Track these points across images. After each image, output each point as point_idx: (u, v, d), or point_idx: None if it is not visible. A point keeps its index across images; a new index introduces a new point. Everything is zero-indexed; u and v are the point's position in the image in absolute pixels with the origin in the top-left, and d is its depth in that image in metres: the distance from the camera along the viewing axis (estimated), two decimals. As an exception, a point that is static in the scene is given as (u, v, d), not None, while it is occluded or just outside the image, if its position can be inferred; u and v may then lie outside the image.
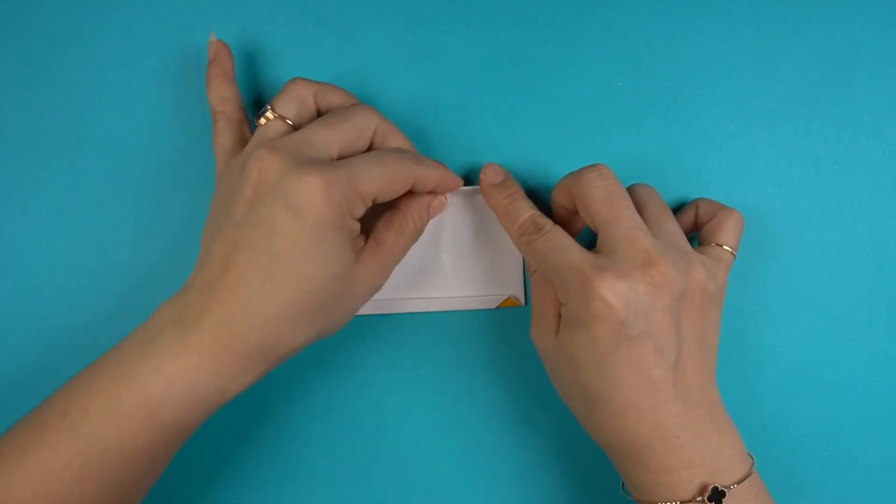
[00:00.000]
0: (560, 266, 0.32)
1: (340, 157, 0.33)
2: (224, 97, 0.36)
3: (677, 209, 0.39)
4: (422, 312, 0.39)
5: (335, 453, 0.39)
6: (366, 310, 0.38)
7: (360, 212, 0.32)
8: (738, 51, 0.39)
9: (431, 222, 0.38)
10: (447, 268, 0.39)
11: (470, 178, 0.39)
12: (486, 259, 0.39)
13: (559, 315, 0.34)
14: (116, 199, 0.39)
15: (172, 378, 0.29)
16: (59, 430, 0.29)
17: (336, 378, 0.39)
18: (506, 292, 0.39)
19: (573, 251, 0.32)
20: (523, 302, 0.39)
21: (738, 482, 0.32)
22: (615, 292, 0.30)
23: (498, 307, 0.40)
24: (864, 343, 0.39)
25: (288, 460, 0.39)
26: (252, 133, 0.35)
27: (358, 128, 0.33)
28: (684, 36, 0.39)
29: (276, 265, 0.30)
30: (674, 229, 0.34)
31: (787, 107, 0.39)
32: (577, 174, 0.34)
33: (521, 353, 0.39)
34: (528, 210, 0.35)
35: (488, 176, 0.37)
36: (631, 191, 0.36)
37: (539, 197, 0.39)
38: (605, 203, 0.32)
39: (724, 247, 0.36)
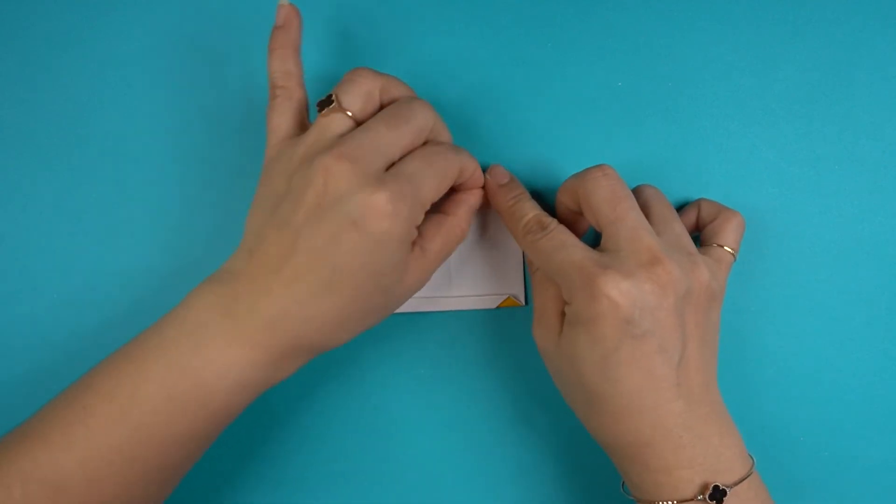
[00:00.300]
0: (564, 265, 0.32)
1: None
2: (288, 71, 0.34)
3: (679, 209, 0.39)
4: (422, 312, 0.39)
5: (335, 453, 0.39)
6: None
7: (421, 219, 0.32)
8: (738, 51, 0.39)
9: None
10: (448, 267, 0.39)
11: (470, 178, 0.39)
12: (486, 259, 0.39)
13: (562, 314, 0.34)
14: (116, 199, 0.39)
15: (224, 369, 0.30)
16: (108, 415, 0.30)
17: (336, 377, 0.39)
18: (506, 292, 0.39)
19: (577, 250, 0.32)
20: (523, 302, 0.39)
21: (739, 482, 0.32)
22: (620, 290, 0.30)
23: (498, 307, 0.40)
24: (864, 343, 0.39)
25: (287, 460, 0.39)
26: (309, 117, 0.35)
27: (419, 128, 0.32)
28: (684, 36, 0.39)
29: (335, 276, 0.30)
30: (679, 230, 0.34)
31: (787, 107, 0.39)
32: (581, 174, 0.34)
33: (522, 352, 0.39)
34: (532, 210, 0.35)
35: (494, 177, 0.37)
36: (636, 191, 0.36)
37: (541, 197, 0.39)
38: (610, 202, 0.32)
39: (725, 248, 0.36)
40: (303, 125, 0.34)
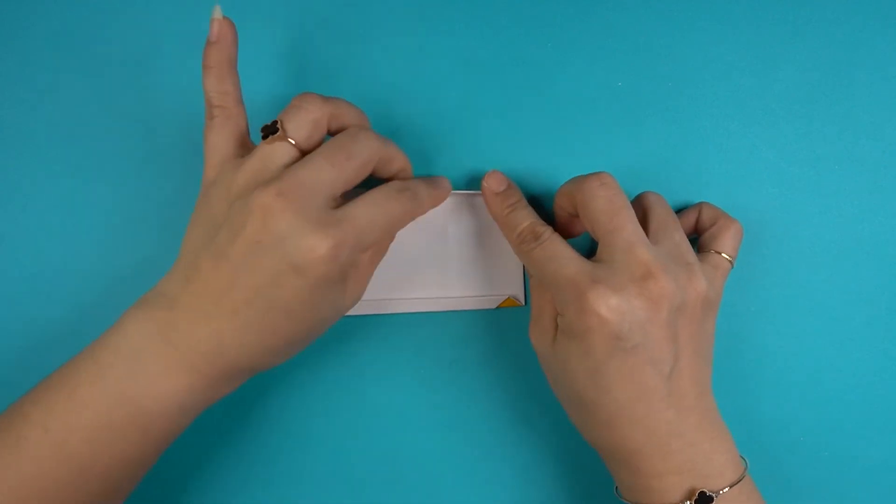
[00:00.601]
0: (556, 277, 0.32)
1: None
2: (225, 91, 0.33)
3: (679, 210, 0.39)
4: (422, 312, 0.39)
5: (335, 453, 0.39)
6: (366, 310, 0.38)
7: (359, 258, 0.32)
8: (738, 51, 0.39)
9: (432, 223, 0.38)
10: (447, 268, 0.39)
11: (470, 180, 0.39)
12: (486, 259, 0.39)
13: (557, 319, 0.34)
14: (116, 199, 0.39)
15: (163, 395, 0.30)
16: (42, 444, 0.29)
17: (335, 378, 0.39)
18: (506, 292, 0.39)
19: (570, 262, 0.32)
20: (523, 302, 0.39)
21: (729, 486, 0.32)
22: (609, 306, 0.30)
23: (498, 307, 0.40)
24: (864, 343, 0.39)
25: (287, 460, 0.39)
26: (250, 134, 0.34)
27: (363, 162, 0.32)
28: (684, 36, 0.39)
29: (273, 311, 0.30)
30: (678, 238, 0.34)
31: (787, 107, 0.39)
32: (580, 181, 0.34)
33: (521, 353, 0.39)
34: (527, 219, 0.35)
35: (490, 184, 0.37)
36: (638, 198, 0.36)
37: (539, 198, 0.39)
38: (606, 213, 0.32)
39: (723, 255, 0.36)
40: (243, 145, 0.33)
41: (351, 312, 0.38)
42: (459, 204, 0.39)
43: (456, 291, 0.39)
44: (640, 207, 0.35)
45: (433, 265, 0.39)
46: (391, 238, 0.35)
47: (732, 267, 0.36)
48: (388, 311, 0.39)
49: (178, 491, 0.39)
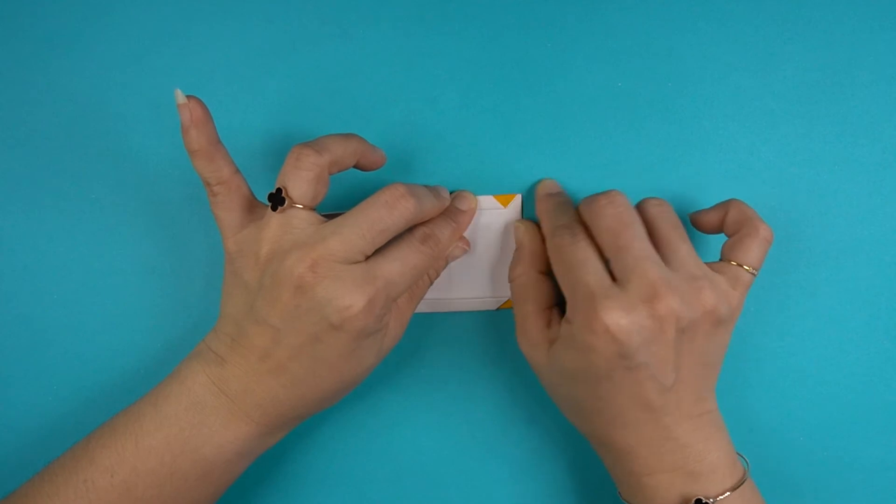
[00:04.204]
0: (577, 283, 0.32)
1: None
2: (218, 170, 0.33)
3: (705, 209, 0.37)
4: (423, 313, 0.39)
5: (335, 453, 0.39)
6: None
7: (394, 304, 0.34)
8: (738, 51, 0.39)
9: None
10: (449, 270, 0.39)
11: (470, 180, 0.39)
12: (487, 261, 0.39)
13: (546, 327, 0.34)
14: (116, 199, 0.39)
15: (223, 444, 0.32)
16: (111, 489, 0.31)
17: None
18: (507, 294, 0.39)
19: (593, 272, 0.32)
20: (523, 302, 0.39)
21: (728, 490, 0.32)
22: (619, 326, 0.30)
23: (499, 309, 0.40)
24: (864, 343, 0.39)
25: (288, 460, 0.39)
26: (256, 196, 0.35)
27: (395, 230, 0.32)
28: (684, 36, 0.39)
29: (318, 366, 0.32)
30: (685, 251, 0.33)
31: (787, 107, 0.39)
32: (588, 201, 0.34)
33: (521, 354, 0.39)
34: (571, 217, 0.35)
35: (546, 187, 0.38)
36: (641, 207, 0.35)
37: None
38: (613, 232, 0.32)
39: (745, 267, 0.34)
40: (252, 210, 0.34)
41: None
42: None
43: (457, 293, 0.39)
44: (643, 220, 0.34)
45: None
46: (425, 283, 0.36)
47: (756, 277, 0.34)
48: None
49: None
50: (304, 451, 0.39)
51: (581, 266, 0.32)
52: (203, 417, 0.32)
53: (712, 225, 0.36)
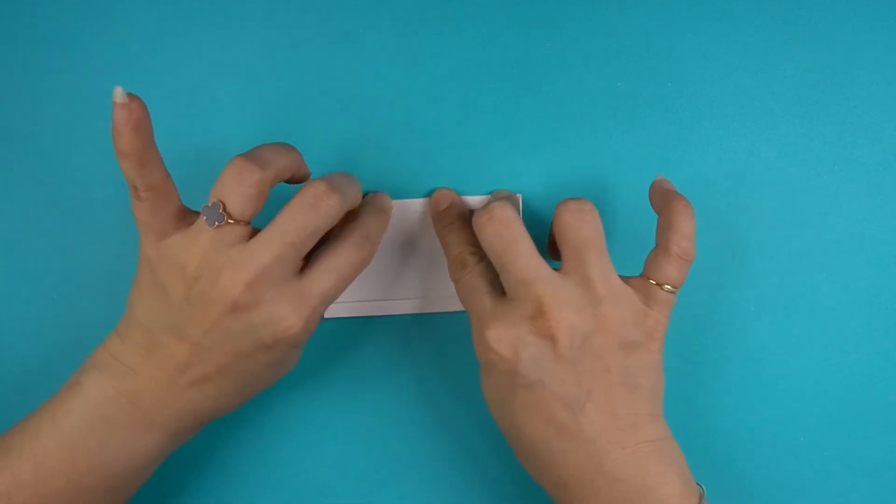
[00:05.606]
0: (469, 309, 0.33)
1: None
2: (148, 175, 0.30)
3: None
4: (422, 313, 0.39)
5: (334, 453, 0.39)
6: (361, 312, 0.38)
7: None
8: (738, 51, 0.39)
9: (429, 226, 0.38)
10: (443, 269, 0.39)
11: (470, 180, 0.39)
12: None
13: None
14: (116, 199, 0.39)
15: (134, 456, 0.31)
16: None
17: (335, 379, 0.39)
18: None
19: (483, 296, 0.32)
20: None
21: None
22: (502, 343, 0.30)
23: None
24: (864, 343, 0.39)
25: (285, 461, 0.39)
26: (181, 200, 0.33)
27: (323, 230, 0.31)
28: (684, 36, 0.39)
29: (244, 380, 0.32)
30: (594, 265, 0.31)
31: (787, 107, 0.39)
32: (474, 217, 0.32)
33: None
34: (458, 246, 0.35)
35: (436, 202, 0.37)
36: (556, 213, 0.32)
37: (538, 199, 0.39)
38: (495, 252, 0.31)
39: (663, 286, 0.32)
40: (181, 218, 0.32)
41: (347, 314, 0.38)
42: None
43: (449, 292, 0.39)
44: (557, 228, 0.32)
45: (433, 266, 0.39)
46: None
47: (675, 294, 0.32)
48: (388, 313, 0.39)
49: (176, 493, 0.39)
50: (301, 453, 0.39)
51: (472, 293, 0.33)
52: (111, 433, 0.30)
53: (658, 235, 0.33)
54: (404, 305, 0.39)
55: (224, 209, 0.30)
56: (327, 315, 0.38)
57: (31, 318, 0.39)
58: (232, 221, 0.30)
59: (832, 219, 0.39)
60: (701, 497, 0.31)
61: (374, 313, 0.39)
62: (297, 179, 0.34)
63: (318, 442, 0.39)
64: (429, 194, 0.39)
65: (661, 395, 0.33)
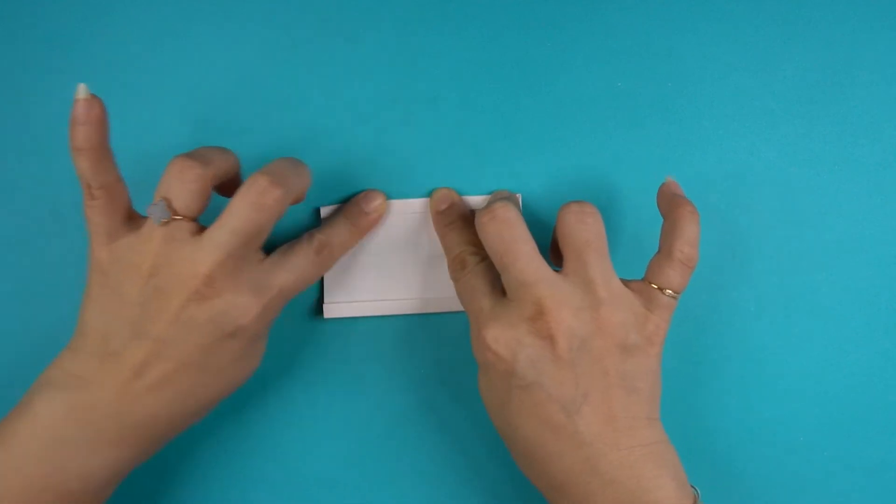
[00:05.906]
0: (468, 310, 0.33)
1: None
2: (102, 173, 0.31)
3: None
4: (421, 314, 0.39)
5: (334, 453, 0.39)
6: (359, 312, 0.38)
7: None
8: (738, 51, 0.39)
9: (427, 225, 0.38)
10: (441, 269, 0.39)
11: (470, 180, 0.39)
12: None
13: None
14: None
15: (92, 473, 0.30)
16: None
17: (334, 379, 0.39)
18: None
19: (481, 298, 0.33)
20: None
21: None
22: (500, 344, 0.30)
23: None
24: (864, 343, 0.39)
25: (282, 462, 0.39)
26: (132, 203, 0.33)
27: (267, 224, 0.31)
28: (684, 36, 0.39)
29: (206, 375, 0.31)
30: (596, 267, 0.31)
31: (787, 107, 0.39)
32: (476, 216, 0.33)
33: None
34: (458, 246, 0.35)
35: (436, 202, 0.37)
36: (559, 215, 0.32)
37: (538, 199, 0.39)
38: (496, 252, 0.31)
39: (664, 290, 0.32)
40: (131, 219, 0.32)
41: (345, 314, 0.38)
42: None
43: (449, 292, 0.39)
44: (560, 230, 0.32)
45: (427, 267, 0.39)
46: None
47: (677, 299, 0.32)
48: (388, 313, 0.39)
49: (176, 493, 0.39)
50: (298, 453, 0.39)
51: (470, 294, 0.33)
52: (66, 453, 0.29)
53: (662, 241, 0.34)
54: (404, 305, 0.39)
55: (170, 206, 0.30)
56: (327, 315, 0.38)
57: (19, 319, 0.39)
58: (179, 217, 0.30)
59: (832, 219, 0.39)
60: (695, 500, 0.31)
61: (374, 313, 0.39)
62: (232, 190, 0.33)
63: (318, 442, 0.39)
64: (429, 194, 0.39)
65: (659, 398, 0.33)
